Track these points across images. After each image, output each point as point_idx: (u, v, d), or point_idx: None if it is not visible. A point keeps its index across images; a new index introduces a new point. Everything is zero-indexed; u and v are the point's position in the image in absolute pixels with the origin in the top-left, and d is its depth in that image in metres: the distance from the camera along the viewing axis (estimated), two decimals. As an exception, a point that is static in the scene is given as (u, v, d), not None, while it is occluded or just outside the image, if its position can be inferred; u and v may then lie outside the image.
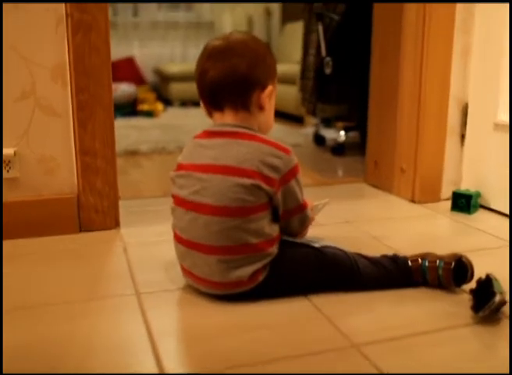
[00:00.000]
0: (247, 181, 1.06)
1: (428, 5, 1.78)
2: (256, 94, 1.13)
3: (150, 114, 4.33)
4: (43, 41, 1.44)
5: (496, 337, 1.01)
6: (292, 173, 1.12)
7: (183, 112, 4.76)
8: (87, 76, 1.45)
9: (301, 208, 1.17)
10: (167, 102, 5.07)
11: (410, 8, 1.84)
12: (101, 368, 0.90)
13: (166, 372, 0.89)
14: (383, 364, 0.90)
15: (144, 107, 4.42)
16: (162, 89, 5.42)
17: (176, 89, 5.18)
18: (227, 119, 1.14)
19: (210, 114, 1.19)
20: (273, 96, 1.18)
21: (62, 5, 1.43)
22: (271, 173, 1.08)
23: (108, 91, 1.48)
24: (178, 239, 1.16)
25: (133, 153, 2.82)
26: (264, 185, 1.07)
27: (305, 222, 1.20)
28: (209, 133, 1.15)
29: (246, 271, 1.08)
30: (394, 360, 0.92)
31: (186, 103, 5.15)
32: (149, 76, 5.65)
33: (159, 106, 4.57)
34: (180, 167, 1.16)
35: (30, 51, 1.43)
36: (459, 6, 1.81)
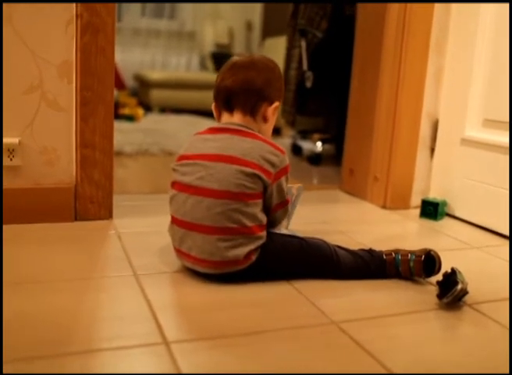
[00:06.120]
0: (249, 170, 1.20)
1: (407, 28, 1.94)
2: (264, 107, 1.31)
3: (131, 118, 4.41)
4: (52, 39, 1.54)
5: (456, 320, 1.15)
6: (284, 171, 1.27)
7: (163, 118, 4.84)
8: (92, 75, 1.56)
9: (286, 202, 1.33)
10: (146, 108, 5.15)
11: (390, 31, 2.00)
12: (108, 335, 1.00)
13: (168, 339, 0.99)
14: (359, 337, 1.03)
15: (126, 111, 4.50)
16: (142, 95, 5.49)
17: (157, 95, 5.28)
18: (235, 119, 1.30)
19: (218, 116, 1.35)
20: (276, 113, 1.35)
21: (73, 6, 1.53)
22: (269, 167, 1.23)
23: (110, 90, 1.59)
24: (178, 223, 1.26)
25: (117, 153, 2.90)
26: (263, 176, 1.22)
27: (286, 214, 1.37)
28: (214, 130, 1.30)
29: (242, 251, 1.21)
30: (368, 334, 1.05)
31: (165, 110, 5.25)
32: (129, 81, 5.73)
33: (140, 111, 4.65)
34: (183, 157, 1.28)
35: (39, 48, 1.53)
36: (434, 29, 1.98)
